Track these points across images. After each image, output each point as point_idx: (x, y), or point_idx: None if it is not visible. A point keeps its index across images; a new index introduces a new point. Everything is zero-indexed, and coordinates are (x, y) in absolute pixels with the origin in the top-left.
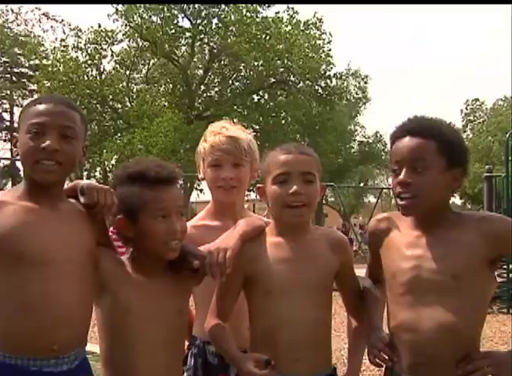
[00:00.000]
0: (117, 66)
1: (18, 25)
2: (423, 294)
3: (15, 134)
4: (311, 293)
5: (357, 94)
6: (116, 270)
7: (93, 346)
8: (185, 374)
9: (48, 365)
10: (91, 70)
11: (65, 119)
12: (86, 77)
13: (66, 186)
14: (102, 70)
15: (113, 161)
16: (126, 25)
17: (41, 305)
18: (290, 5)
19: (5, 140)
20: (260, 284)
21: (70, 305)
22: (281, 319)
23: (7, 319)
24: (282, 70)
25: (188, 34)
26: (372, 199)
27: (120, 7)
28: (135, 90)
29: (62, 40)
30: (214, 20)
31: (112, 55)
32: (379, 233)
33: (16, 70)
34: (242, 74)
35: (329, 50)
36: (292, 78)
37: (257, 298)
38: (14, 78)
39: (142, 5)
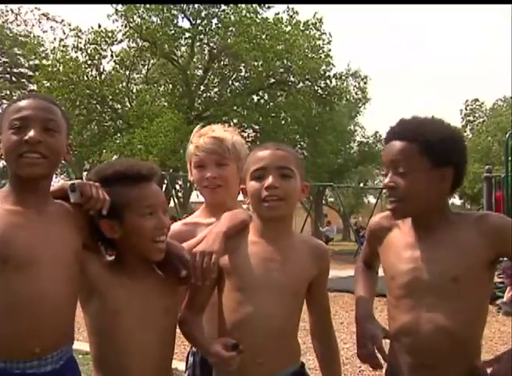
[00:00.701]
0: (117, 66)
1: (18, 25)
2: (422, 297)
3: None
4: (282, 296)
5: (357, 94)
6: (102, 273)
7: (84, 344)
8: (186, 372)
9: (32, 366)
10: (91, 71)
11: (46, 112)
12: (86, 78)
13: (52, 188)
14: (101, 70)
15: None
16: (126, 25)
17: (25, 308)
18: (290, 6)
19: None
20: (231, 279)
21: (53, 308)
22: (246, 318)
23: None
24: (281, 70)
25: (187, 35)
26: (371, 199)
27: (119, 7)
28: (134, 90)
29: (61, 40)
30: (214, 21)
31: (112, 55)
32: (379, 232)
33: (15, 70)
34: (242, 74)
35: (329, 50)
36: (292, 79)
37: (227, 293)
38: (14, 78)
39: (142, 6)
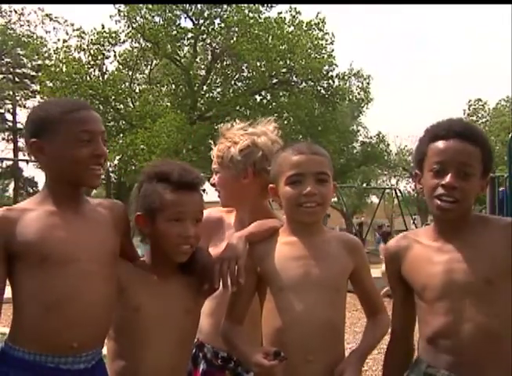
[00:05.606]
0: (120, 66)
1: (21, 26)
2: (458, 298)
3: (33, 139)
4: (324, 292)
5: (359, 94)
6: (126, 269)
7: None
8: None
9: (66, 362)
10: (94, 71)
11: (101, 125)
12: (89, 78)
13: None
14: (104, 70)
15: (115, 161)
16: (128, 26)
17: (65, 303)
18: (293, 6)
19: (8, 141)
20: (271, 282)
21: (92, 303)
22: (293, 317)
23: (32, 319)
24: (284, 70)
25: (190, 35)
26: (374, 199)
27: (122, 7)
28: (137, 90)
29: (64, 40)
30: (217, 21)
31: (115, 55)
32: (400, 252)
33: (18, 70)
34: (244, 74)
35: (332, 50)
36: (294, 79)
37: (269, 296)
38: (17, 79)
39: (145, 6)
